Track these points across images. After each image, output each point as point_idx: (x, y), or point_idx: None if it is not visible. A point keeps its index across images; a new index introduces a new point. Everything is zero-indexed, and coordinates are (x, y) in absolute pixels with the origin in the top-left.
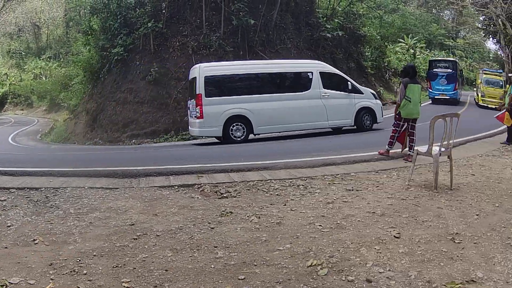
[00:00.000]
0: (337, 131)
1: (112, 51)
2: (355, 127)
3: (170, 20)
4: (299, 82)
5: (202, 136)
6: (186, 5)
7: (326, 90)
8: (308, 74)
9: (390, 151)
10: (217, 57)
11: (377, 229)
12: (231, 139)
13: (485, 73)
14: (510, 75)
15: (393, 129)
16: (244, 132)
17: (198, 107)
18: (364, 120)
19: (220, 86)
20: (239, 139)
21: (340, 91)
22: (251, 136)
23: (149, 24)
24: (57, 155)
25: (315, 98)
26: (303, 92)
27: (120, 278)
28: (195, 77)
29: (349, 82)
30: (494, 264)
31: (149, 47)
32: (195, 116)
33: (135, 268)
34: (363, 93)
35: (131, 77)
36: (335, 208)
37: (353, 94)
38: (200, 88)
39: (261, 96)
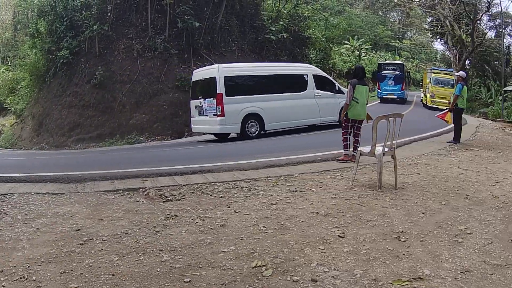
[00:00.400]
0: (312, 128)
1: (58, 54)
2: (338, 123)
3: (116, 22)
4: (298, 83)
5: (203, 133)
6: (132, 8)
7: (318, 91)
8: (304, 76)
9: (348, 154)
10: (162, 60)
11: (321, 229)
12: (247, 135)
13: (434, 72)
14: (456, 74)
15: (343, 132)
16: (257, 128)
17: (219, 105)
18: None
19: (237, 86)
20: (254, 135)
21: (328, 91)
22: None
23: (94, 26)
24: (4, 160)
25: (310, 97)
26: (301, 92)
27: (68, 283)
28: (214, 77)
29: (334, 84)
30: (441, 261)
31: (95, 50)
32: (215, 114)
33: (82, 274)
34: (344, 93)
35: (77, 80)
36: (279, 209)
37: (337, 94)
38: (220, 87)
39: (271, 95)
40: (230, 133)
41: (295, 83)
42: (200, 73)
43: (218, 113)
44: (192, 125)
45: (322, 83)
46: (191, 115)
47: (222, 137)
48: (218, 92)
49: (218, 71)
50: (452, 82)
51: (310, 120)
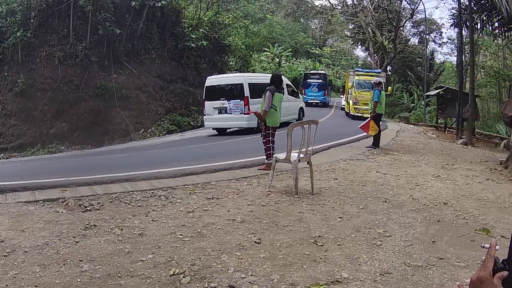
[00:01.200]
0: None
1: None
2: (295, 120)
3: (39, 29)
4: None
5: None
6: (55, 14)
7: (288, 96)
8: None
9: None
10: (82, 68)
11: (238, 236)
12: (259, 129)
13: (357, 74)
14: (373, 80)
15: (264, 141)
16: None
17: (247, 106)
18: (300, 115)
19: (254, 91)
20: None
21: (293, 96)
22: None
23: (18, 33)
24: None
25: (286, 101)
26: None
27: None
28: (241, 83)
29: (295, 90)
30: (360, 264)
31: (17, 57)
32: (242, 112)
33: (7, 285)
34: (299, 98)
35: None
36: (196, 217)
37: (297, 98)
38: (246, 91)
39: None
40: (228, 128)
41: None
42: (220, 79)
43: (246, 111)
44: (205, 122)
45: (289, 90)
46: (205, 113)
47: (222, 132)
48: (245, 95)
49: (244, 79)
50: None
51: (286, 118)
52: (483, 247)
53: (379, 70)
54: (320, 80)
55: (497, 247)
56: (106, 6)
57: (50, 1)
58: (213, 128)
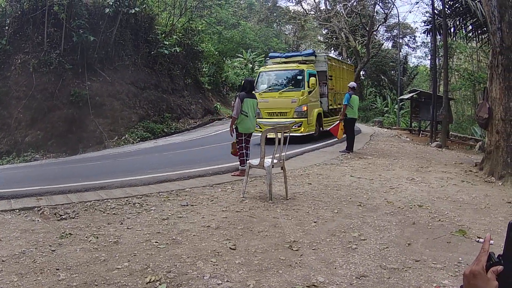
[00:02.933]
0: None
1: None
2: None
3: (14, 36)
4: None
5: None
6: (29, 21)
7: None
8: None
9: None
10: (56, 75)
11: (213, 242)
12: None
13: (273, 62)
14: (348, 85)
15: (238, 148)
16: None
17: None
18: None
19: None
20: None
21: None
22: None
23: None
24: None
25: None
26: None
27: None
28: None
29: None
30: (335, 268)
31: None
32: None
33: None
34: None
35: None
36: (171, 224)
37: None
38: None
39: None
40: None
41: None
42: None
43: None
44: None
45: None
46: None
47: None
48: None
49: None
50: (300, 77)
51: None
52: (478, 241)
53: (310, 51)
54: None
55: (492, 241)
56: (80, 13)
57: (25, 8)
58: None
